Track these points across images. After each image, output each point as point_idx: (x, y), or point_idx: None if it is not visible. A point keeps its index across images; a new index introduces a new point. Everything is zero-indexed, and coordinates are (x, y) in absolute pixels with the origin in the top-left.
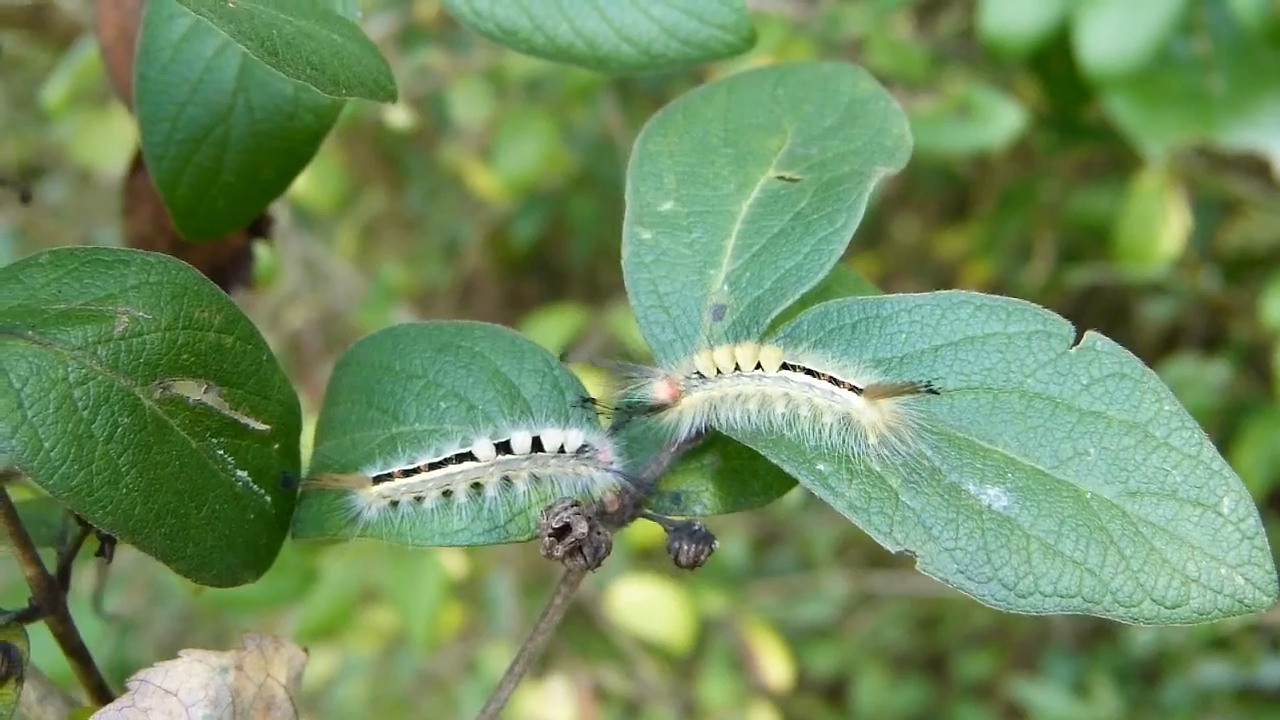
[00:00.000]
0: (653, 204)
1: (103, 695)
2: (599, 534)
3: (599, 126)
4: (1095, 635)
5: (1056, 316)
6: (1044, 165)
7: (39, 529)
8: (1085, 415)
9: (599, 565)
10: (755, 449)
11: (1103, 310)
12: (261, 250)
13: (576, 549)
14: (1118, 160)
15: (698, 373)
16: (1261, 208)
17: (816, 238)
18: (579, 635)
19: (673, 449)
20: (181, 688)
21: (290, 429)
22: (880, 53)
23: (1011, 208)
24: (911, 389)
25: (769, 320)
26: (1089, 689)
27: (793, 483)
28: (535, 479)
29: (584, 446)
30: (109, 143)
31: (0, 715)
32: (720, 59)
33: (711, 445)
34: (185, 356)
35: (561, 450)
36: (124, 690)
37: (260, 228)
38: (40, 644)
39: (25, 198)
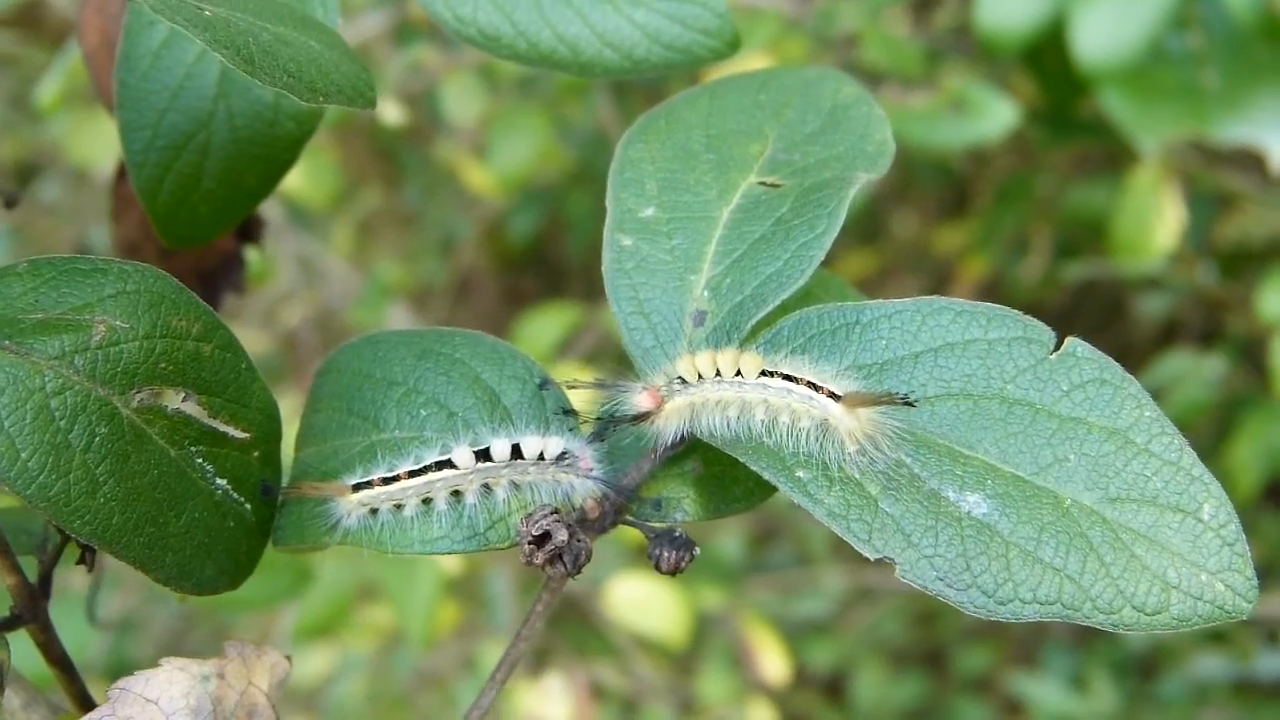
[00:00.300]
0: (634, 210)
1: (86, 704)
2: (579, 541)
3: (594, 122)
4: (1093, 630)
5: (1037, 322)
6: (1040, 160)
7: (19, 537)
8: (1065, 421)
9: (579, 572)
10: (735, 456)
11: (1099, 305)
12: (252, 251)
13: (556, 556)
14: (1113, 155)
15: (679, 378)
16: (1257, 202)
17: (797, 244)
18: (576, 632)
19: (654, 455)
20: (162, 696)
21: (269, 436)
22: (874, 48)
23: (1008, 203)
24: (889, 399)
25: (750, 326)
26: (1087, 683)
27: (773, 489)
28: (515, 486)
29: (564, 453)
30: (101, 142)
31: None
32: (703, 64)
33: (692, 451)
34: (163, 365)
35: (541, 457)
36: (105, 698)
37: (249, 232)
38: (25, 651)
39: (10, 203)
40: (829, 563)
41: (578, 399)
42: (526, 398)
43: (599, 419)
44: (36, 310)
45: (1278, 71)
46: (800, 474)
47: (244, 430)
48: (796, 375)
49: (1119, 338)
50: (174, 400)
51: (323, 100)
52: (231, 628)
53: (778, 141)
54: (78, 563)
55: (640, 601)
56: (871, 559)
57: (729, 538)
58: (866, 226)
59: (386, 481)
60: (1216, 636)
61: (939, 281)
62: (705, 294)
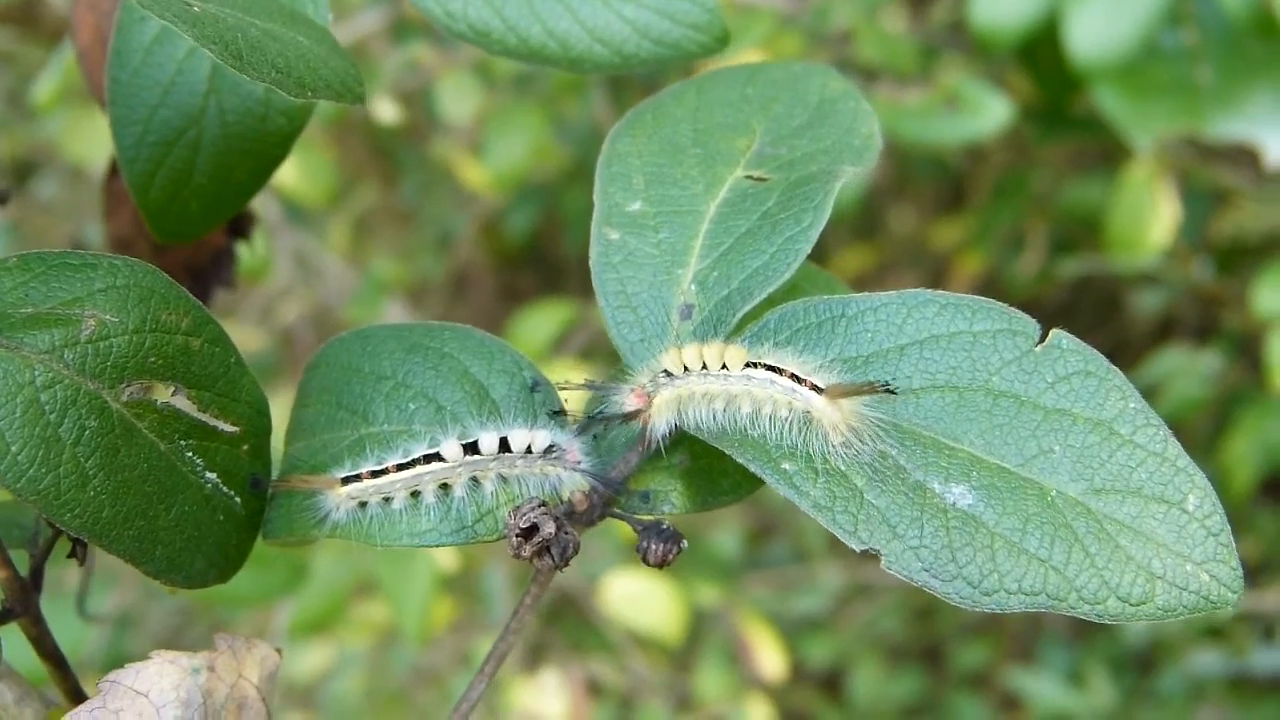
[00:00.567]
0: (621, 204)
1: (78, 698)
2: (566, 534)
3: (591, 119)
4: (1090, 625)
5: (1022, 315)
6: (1036, 156)
7: (11, 531)
8: (1050, 413)
9: (566, 564)
10: (721, 449)
11: (1095, 301)
12: (245, 247)
13: (544, 549)
14: (1108, 151)
15: (666, 371)
16: (1252, 198)
17: (783, 237)
18: (572, 629)
19: (641, 449)
20: (153, 689)
21: (259, 430)
22: (869, 45)
23: (1004, 199)
24: (870, 389)
25: (736, 319)
26: (1084, 678)
27: (761, 482)
28: (503, 479)
29: (551, 446)
30: (97, 139)
31: None
32: (693, 59)
33: (680, 444)
34: (153, 359)
35: (529, 450)
36: (96, 691)
37: (240, 227)
38: (18, 644)
39: (2, 200)
40: (826, 559)
41: (569, 399)
42: (514, 391)
43: (590, 418)
44: (26, 305)
45: (1272, 68)
46: (786, 466)
47: (233, 424)
48: (780, 367)
49: (1115, 333)
50: (164, 394)
51: (311, 95)
52: (228, 624)
53: (765, 135)
54: (69, 556)
55: (636, 597)
56: (857, 550)
57: (726, 534)
58: (864, 222)
59: (375, 475)
60: (1213, 632)
61: (936, 277)
62: (692, 287)
